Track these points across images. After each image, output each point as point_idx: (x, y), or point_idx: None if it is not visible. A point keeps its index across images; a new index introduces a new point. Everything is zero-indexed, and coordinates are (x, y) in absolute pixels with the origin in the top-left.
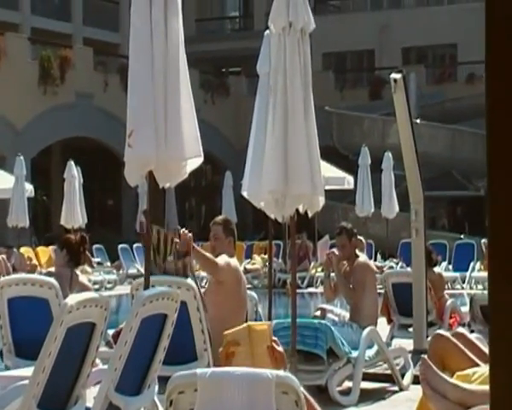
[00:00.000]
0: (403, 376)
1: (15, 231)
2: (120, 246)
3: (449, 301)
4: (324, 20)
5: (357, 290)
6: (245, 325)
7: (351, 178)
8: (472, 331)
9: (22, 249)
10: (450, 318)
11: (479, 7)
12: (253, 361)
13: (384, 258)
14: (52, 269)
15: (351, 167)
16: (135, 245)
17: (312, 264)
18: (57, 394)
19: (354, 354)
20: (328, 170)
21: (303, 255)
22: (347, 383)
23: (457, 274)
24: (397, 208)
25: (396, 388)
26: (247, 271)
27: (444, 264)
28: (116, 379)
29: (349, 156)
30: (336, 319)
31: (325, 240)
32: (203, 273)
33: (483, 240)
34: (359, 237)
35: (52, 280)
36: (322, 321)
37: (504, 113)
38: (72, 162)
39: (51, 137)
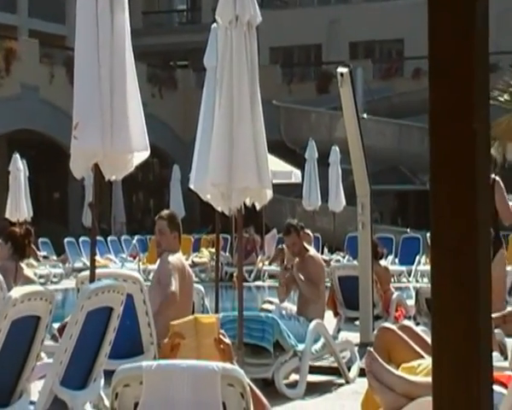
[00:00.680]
0: (349, 369)
1: None
2: (66, 239)
3: (395, 295)
4: (272, 14)
5: (308, 284)
6: (192, 316)
7: (298, 172)
8: (417, 324)
9: None
10: (396, 311)
11: (425, 2)
12: (198, 354)
13: (331, 251)
14: None
15: (298, 161)
16: (81, 239)
17: (259, 257)
18: (1, 388)
19: (301, 347)
20: (276, 164)
21: (250, 249)
22: (294, 376)
23: (403, 268)
24: (344, 202)
25: (342, 381)
26: (194, 264)
27: (390, 257)
28: (61, 373)
29: (296, 150)
30: (283, 312)
31: (272, 234)
32: (150, 267)
33: (428, 234)
34: (306, 230)
35: None
36: (269, 314)
37: (447, 108)
38: (18, 155)
39: None
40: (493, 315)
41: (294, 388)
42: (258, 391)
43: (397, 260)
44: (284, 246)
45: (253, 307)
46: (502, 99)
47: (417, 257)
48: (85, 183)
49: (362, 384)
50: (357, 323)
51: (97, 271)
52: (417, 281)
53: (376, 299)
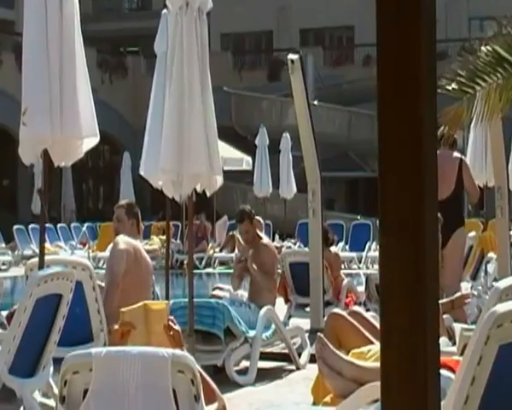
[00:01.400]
0: (300, 355)
1: None
2: (15, 227)
3: (345, 281)
4: (223, 1)
5: (261, 274)
6: (141, 303)
7: (249, 159)
8: (367, 310)
9: None
10: (347, 297)
11: None
12: (148, 340)
13: (282, 238)
14: None
15: (249, 148)
16: (30, 226)
17: (210, 245)
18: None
19: (251, 333)
20: (227, 151)
21: (201, 236)
22: (244, 363)
23: (354, 254)
24: (295, 189)
25: (293, 367)
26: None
27: (341, 244)
28: (10, 361)
29: (247, 137)
30: (234, 298)
31: (223, 221)
32: (100, 254)
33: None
34: (257, 217)
35: None
36: (220, 301)
37: (394, 94)
38: None
39: None
40: (442, 301)
41: (245, 374)
42: (208, 377)
43: (347, 247)
44: (235, 233)
45: (203, 294)
46: (450, 88)
47: (368, 244)
48: (35, 169)
49: (312, 370)
50: (307, 309)
51: (46, 258)
52: (368, 267)
53: (327, 285)
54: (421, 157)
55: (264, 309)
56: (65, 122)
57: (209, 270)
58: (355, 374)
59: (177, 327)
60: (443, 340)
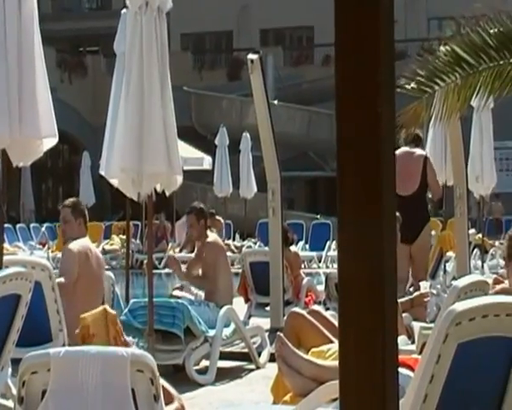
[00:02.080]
0: (260, 354)
1: None
2: None
3: (305, 280)
4: (183, 0)
5: (209, 271)
6: (101, 308)
7: (209, 159)
8: (327, 309)
9: None
10: (307, 296)
11: None
12: (109, 344)
13: (242, 238)
14: None
15: (209, 148)
16: None
17: (170, 245)
18: None
19: (211, 332)
20: (187, 150)
21: (161, 236)
22: (204, 362)
23: (314, 253)
24: (255, 188)
25: (253, 366)
26: (105, 251)
27: (301, 243)
28: None
29: (207, 137)
30: (193, 298)
31: (183, 221)
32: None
33: None
34: (218, 217)
35: None
36: (180, 300)
37: (352, 91)
38: None
39: None
40: (401, 300)
41: (205, 374)
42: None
43: (307, 246)
44: None
45: (163, 293)
46: (409, 87)
47: (327, 243)
48: None
49: (272, 369)
50: (267, 308)
51: (5, 258)
52: (327, 266)
53: (287, 284)
54: (380, 155)
55: (224, 309)
56: (23, 122)
57: (169, 270)
58: (314, 373)
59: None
60: (402, 338)
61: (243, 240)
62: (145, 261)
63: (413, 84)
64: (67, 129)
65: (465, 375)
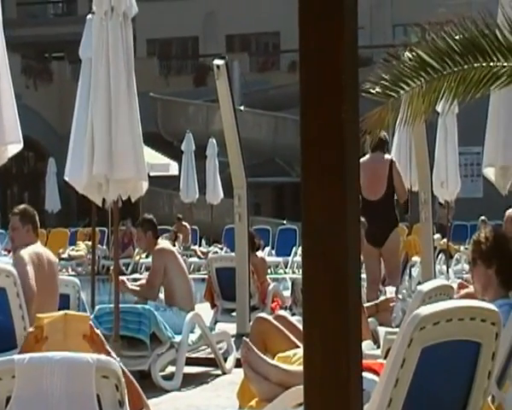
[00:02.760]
0: (226, 360)
1: None
2: None
3: (271, 286)
4: (148, 6)
5: (156, 279)
6: (62, 312)
7: (175, 165)
8: (293, 314)
9: None
10: (273, 302)
11: None
12: (66, 349)
13: (209, 243)
14: None
15: (175, 154)
16: None
17: (136, 250)
18: None
19: (177, 338)
20: (153, 156)
21: (127, 242)
22: (170, 368)
23: (280, 259)
24: (221, 194)
25: (219, 372)
26: (70, 258)
27: (267, 249)
28: None
29: (174, 143)
30: (159, 303)
31: None
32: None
33: None
34: (184, 222)
35: None
36: (146, 306)
37: (316, 95)
38: None
39: None
40: (366, 304)
41: (171, 379)
42: (136, 384)
43: (274, 252)
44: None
45: (129, 300)
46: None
47: (294, 248)
48: None
49: (238, 375)
50: (234, 314)
51: None
52: (294, 272)
53: (253, 290)
54: (343, 160)
55: (190, 314)
56: None
57: (135, 275)
58: (280, 378)
59: (97, 331)
60: (367, 343)
61: (209, 246)
62: (111, 267)
63: (378, 89)
64: (33, 135)
65: (430, 379)
